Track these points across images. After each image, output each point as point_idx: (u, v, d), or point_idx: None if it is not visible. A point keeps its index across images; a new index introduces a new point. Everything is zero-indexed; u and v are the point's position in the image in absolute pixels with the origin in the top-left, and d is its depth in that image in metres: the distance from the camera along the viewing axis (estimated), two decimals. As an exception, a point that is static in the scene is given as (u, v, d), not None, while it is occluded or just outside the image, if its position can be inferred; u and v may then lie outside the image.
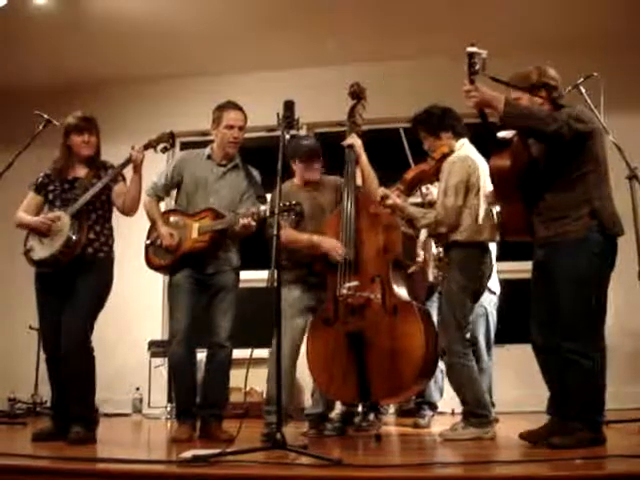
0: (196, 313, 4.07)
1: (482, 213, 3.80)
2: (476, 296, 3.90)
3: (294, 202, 3.73)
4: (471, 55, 3.26)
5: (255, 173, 4.28)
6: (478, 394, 3.73)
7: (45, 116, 4.12)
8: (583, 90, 3.92)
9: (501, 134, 3.50)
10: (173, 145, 4.12)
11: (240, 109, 4.21)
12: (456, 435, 3.68)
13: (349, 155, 4.15)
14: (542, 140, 3.31)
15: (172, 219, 4.17)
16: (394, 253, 3.97)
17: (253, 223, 3.90)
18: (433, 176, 4.02)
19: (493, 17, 5.86)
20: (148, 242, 4.21)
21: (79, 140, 3.89)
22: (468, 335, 3.95)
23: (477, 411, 3.70)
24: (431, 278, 4.76)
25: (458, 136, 3.98)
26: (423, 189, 4.44)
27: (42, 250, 3.79)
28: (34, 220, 3.83)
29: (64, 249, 3.74)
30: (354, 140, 4.16)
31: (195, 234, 4.03)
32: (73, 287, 3.78)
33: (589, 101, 3.90)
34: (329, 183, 4.29)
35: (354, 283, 3.89)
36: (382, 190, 3.93)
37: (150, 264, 4.22)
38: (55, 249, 3.75)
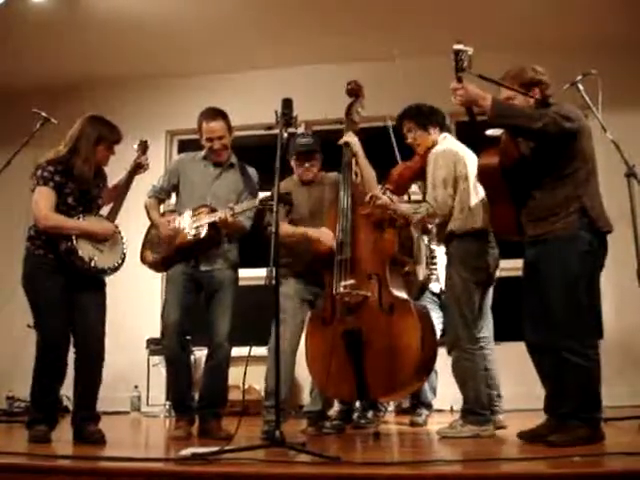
0: (189, 308, 4.08)
1: (473, 199, 3.82)
2: (485, 287, 3.91)
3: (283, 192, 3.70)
4: (457, 52, 3.27)
5: (251, 171, 4.26)
6: (479, 393, 3.74)
7: (43, 114, 4.10)
8: (581, 88, 3.92)
9: (489, 132, 3.51)
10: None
11: (218, 116, 4.11)
12: (454, 433, 3.69)
13: (346, 153, 4.13)
14: (529, 138, 3.31)
15: (169, 217, 4.16)
16: (391, 251, 3.96)
17: (230, 219, 3.86)
18: (420, 171, 4.02)
19: (492, 17, 5.87)
20: (145, 239, 4.25)
21: (107, 154, 3.83)
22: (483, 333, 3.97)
23: (476, 409, 3.71)
24: (421, 277, 4.75)
25: (444, 132, 4.06)
26: (414, 187, 4.43)
27: (106, 258, 3.75)
28: (104, 228, 3.77)
29: (124, 255, 3.82)
30: (351, 138, 4.13)
31: (188, 228, 4.03)
32: (90, 290, 3.78)
33: (587, 99, 3.90)
34: (329, 180, 4.29)
35: (350, 281, 3.87)
36: (371, 191, 3.92)
37: (143, 259, 4.24)
38: (120, 255, 3.80)
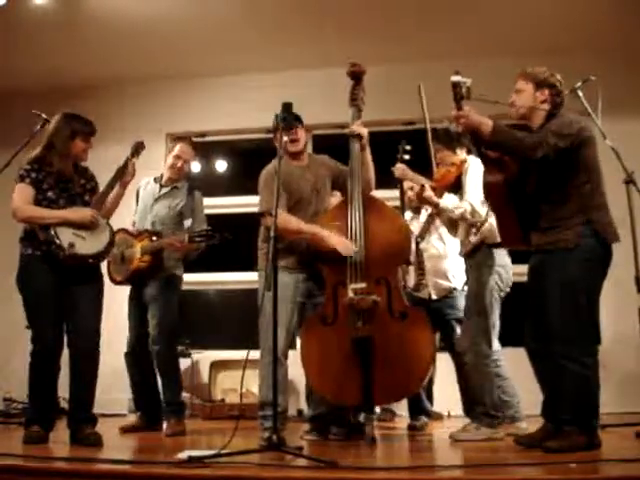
0: (144, 324, 4.61)
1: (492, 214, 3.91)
2: (502, 298, 4.03)
3: (210, 230, 4.20)
4: (455, 84, 3.32)
5: (196, 197, 4.62)
6: (494, 396, 3.86)
7: (43, 115, 4.09)
8: (581, 94, 3.92)
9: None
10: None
11: (192, 145, 4.77)
12: (468, 436, 3.78)
13: (354, 147, 3.91)
14: (528, 164, 3.35)
15: (120, 237, 4.43)
16: (403, 254, 3.87)
17: (177, 245, 4.35)
18: (456, 180, 4.06)
19: (493, 21, 5.88)
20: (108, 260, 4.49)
21: (84, 147, 3.88)
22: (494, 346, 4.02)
23: (492, 412, 3.82)
24: (411, 284, 4.67)
25: (470, 154, 4.15)
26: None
27: (89, 244, 3.75)
28: (82, 215, 3.75)
29: (111, 241, 3.86)
30: (361, 128, 3.90)
31: (139, 254, 4.46)
32: (83, 287, 3.78)
33: (586, 105, 3.91)
34: (316, 159, 4.12)
35: (361, 285, 3.70)
36: (423, 181, 4.04)
37: (112, 280, 4.59)
38: (105, 242, 3.82)
